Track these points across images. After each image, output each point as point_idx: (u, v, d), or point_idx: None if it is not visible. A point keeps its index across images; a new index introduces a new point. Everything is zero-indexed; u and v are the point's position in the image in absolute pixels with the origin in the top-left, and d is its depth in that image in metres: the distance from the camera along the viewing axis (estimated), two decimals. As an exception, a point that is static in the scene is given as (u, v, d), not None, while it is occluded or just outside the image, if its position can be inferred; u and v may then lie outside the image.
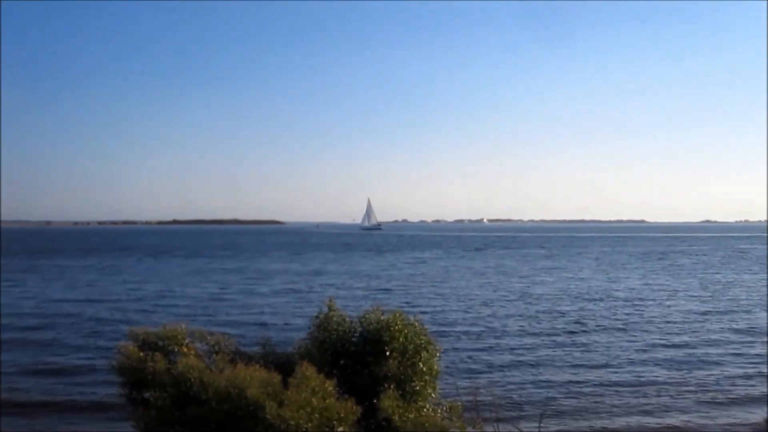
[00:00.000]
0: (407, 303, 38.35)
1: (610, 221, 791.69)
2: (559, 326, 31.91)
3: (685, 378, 21.41)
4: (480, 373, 21.75)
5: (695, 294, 45.31)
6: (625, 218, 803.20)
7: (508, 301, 42.19)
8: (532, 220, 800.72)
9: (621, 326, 31.78)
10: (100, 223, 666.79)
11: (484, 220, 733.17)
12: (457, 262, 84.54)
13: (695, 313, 36.17)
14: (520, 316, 35.35)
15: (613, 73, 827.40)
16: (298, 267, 73.17)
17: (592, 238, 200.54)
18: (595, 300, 42.27)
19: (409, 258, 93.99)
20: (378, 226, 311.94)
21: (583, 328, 31.34)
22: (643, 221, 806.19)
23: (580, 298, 43.60)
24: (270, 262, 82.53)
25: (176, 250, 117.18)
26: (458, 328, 30.76)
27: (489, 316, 35.37)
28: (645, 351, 25.97)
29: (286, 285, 50.96)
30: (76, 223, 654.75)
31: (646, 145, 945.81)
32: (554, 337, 28.96)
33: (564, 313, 36.15)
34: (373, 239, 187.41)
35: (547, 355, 25.30)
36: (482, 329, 30.83)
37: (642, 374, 22.07)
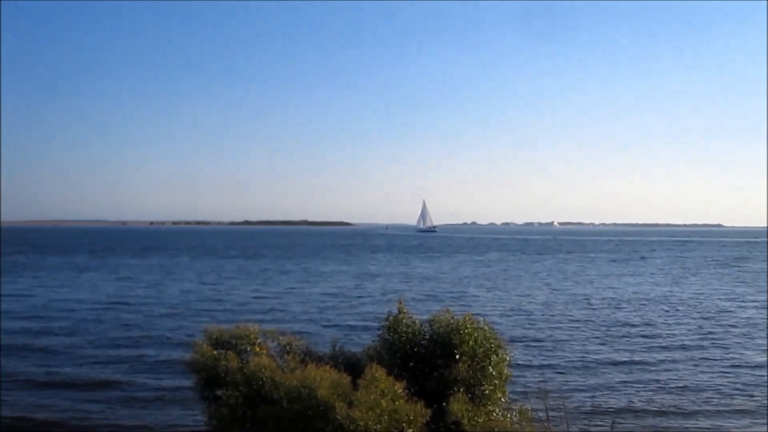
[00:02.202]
0: (464, 306, 38.11)
1: (684, 225, 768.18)
2: (627, 332, 31.14)
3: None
4: (548, 378, 21.40)
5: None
6: (700, 222, 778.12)
7: (569, 305, 41.45)
8: (604, 223, 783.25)
9: (693, 336, 30.76)
10: (174, 223, 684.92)
11: (555, 223, 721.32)
12: (516, 265, 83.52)
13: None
14: (586, 321, 34.67)
15: (705, 71, 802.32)
16: (352, 269, 73.60)
17: (663, 241, 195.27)
18: (661, 306, 41.10)
19: (467, 260, 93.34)
20: (433, 228, 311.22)
21: (652, 335, 30.51)
22: (719, 225, 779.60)
23: (647, 303, 42.46)
24: (325, 263, 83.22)
25: (232, 250, 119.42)
26: (519, 332, 30.36)
27: (550, 320, 34.82)
28: (714, 362, 25.05)
29: (339, 287, 51.28)
30: (151, 223, 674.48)
31: (726, 148, 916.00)
32: (623, 344, 28.28)
33: (631, 319, 35.27)
34: (435, 241, 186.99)
35: (616, 361, 24.72)
36: (545, 334, 30.37)
37: (718, 386, 21.29)
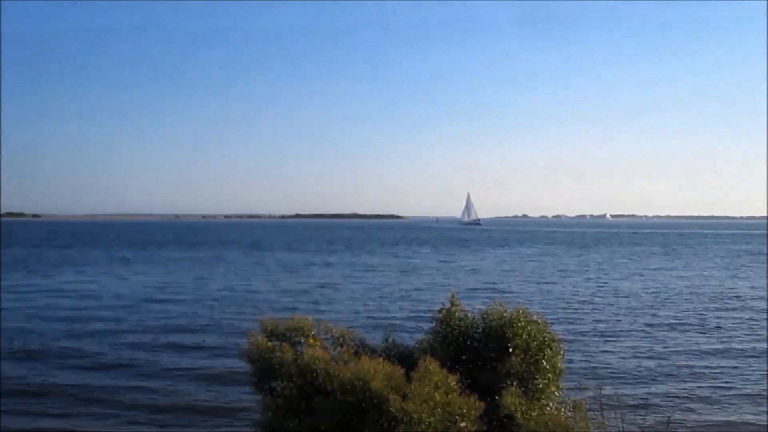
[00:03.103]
0: (509, 299, 37.75)
1: (741, 217, 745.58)
2: (679, 327, 30.54)
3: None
4: (600, 372, 21.15)
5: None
6: (757, 215, 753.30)
7: (618, 297, 40.86)
8: (658, 216, 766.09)
9: (746, 331, 30.01)
10: (226, 216, 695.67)
11: (607, 216, 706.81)
12: (563, 258, 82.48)
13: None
14: (636, 314, 34.12)
15: None
16: (398, 261, 73.68)
17: (719, 234, 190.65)
18: (714, 302, 40.15)
19: (514, 253, 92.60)
20: (477, 221, 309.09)
21: (705, 330, 29.87)
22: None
23: (698, 297, 41.56)
24: (372, 256, 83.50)
25: (281, 243, 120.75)
26: (566, 326, 30.04)
27: (598, 313, 34.35)
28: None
29: (384, 280, 51.36)
30: (204, 217, 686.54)
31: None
32: (674, 338, 27.76)
33: (682, 314, 34.57)
34: (482, 234, 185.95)
35: (667, 356, 24.28)
36: (591, 327, 29.99)
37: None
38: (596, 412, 10.30)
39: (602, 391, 11.15)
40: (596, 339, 27.30)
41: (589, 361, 22.77)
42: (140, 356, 23.38)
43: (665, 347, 25.74)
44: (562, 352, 9.82)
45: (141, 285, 47.13)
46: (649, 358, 23.83)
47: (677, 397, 18.50)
